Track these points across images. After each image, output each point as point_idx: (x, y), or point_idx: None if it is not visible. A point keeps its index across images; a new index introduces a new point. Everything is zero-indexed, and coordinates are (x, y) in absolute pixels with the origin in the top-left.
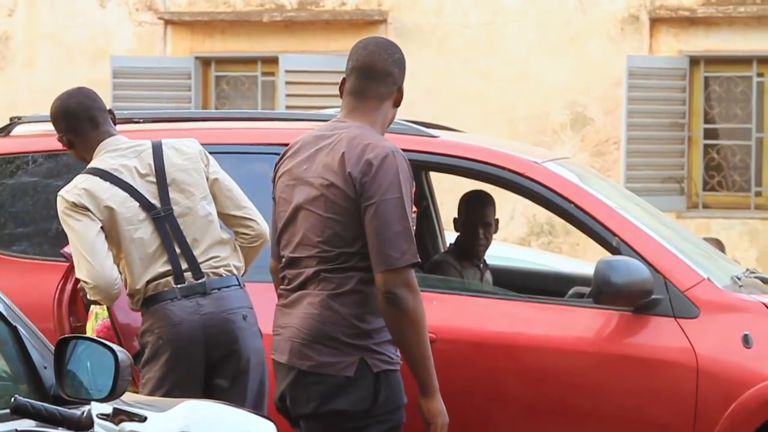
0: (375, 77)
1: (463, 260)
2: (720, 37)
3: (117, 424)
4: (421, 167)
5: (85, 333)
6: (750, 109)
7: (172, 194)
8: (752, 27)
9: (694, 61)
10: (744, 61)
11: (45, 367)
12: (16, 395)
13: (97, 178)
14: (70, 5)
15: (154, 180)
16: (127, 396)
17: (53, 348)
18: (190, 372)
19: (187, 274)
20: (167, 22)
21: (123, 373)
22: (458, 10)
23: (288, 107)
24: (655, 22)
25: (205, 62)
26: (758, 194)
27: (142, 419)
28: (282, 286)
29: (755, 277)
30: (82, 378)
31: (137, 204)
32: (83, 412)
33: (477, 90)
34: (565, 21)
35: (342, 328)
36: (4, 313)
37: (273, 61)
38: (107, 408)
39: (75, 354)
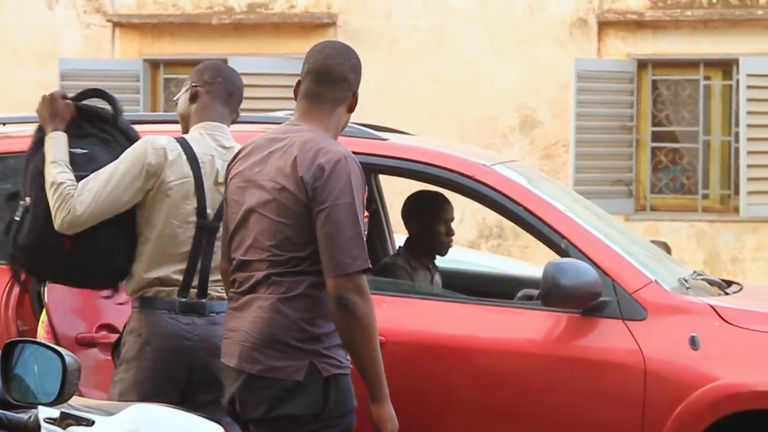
0: (330, 81)
1: (413, 262)
2: (668, 41)
3: (64, 428)
4: (371, 170)
5: (32, 337)
6: (697, 112)
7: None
8: (699, 30)
9: (642, 64)
10: (691, 64)
11: None
12: None
13: (185, 156)
14: (18, 7)
15: (222, 193)
16: (75, 400)
17: None
18: (165, 387)
19: (193, 291)
20: (116, 25)
21: (71, 377)
22: (408, 13)
23: None
24: (604, 25)
25: (153, 65)
26: (705, 197)
27: (90, 423)
28: (232, 289)
29: (702, 279)
30: (29, 382)
31: (195, 205)
32: (30, 417)
33: (427, 93)
34: (514, 24)
35: (292, 332)
36: None
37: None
38: (55, 412)
39: (22, 358)
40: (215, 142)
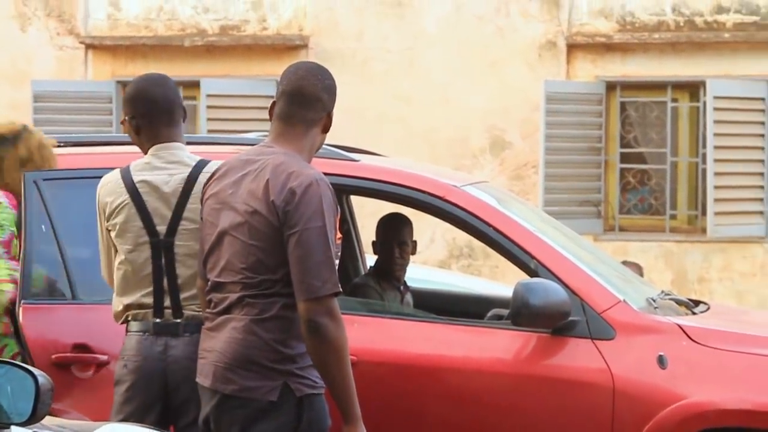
0: (303, 102)
1: (384, 282)
2: (635, 63)
3: None
4: (342, 191)
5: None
6: (665, 134)
7: (183, 227)
8: (667, 53)
9: (611, 86)
10: (659, 86)
11: None
12: None
13: (122, 182)
14: None
15: (174, 206)
16: (48, 420)
17: None
18: (145, 407)
19: (167, 311)
20: (88, 47)
21: (44, 397)
22: (379, 34)
23: (209, 131)
24: (572, 48)
25: (125, 86)
26: (673, 217)
27: None
28: (208, 310)
29: (670, 299)
30: (2, 402)
31: (141, 225)
32: None
33: (398, 114)
34: (484, 46)
35: (265, 352)
36: None
37: (194, 85)
38: None
39: None
40: (161, 160)
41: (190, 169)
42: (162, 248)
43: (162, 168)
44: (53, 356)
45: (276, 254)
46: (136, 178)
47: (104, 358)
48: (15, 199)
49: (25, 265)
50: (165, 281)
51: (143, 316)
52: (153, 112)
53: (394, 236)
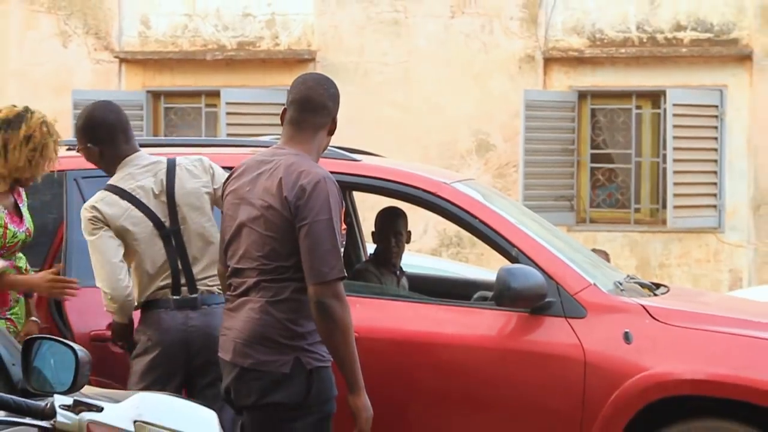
0: (312, 109)
1: (382, 268)
2: (604, 75)
3: (77, 413)
4: (346, 188)
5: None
6: (630, 137)
7: (181, 213)
8: (632, 66)
9: (582, 95)
10: (625, 95)
11: (13, 364)
12: None
13: (117, 196)
14: (36, 45)
15: (165, 199)
16: (87, 389)
17: (20, 347)
18: (171, 372)
19: (184, 288)
20: (122, 60)
21: (83, 369)
22: (378, 50)
23: (229, 135)
24: (549, 61)
25: (155, 95)
26: (637, 210)
27: (99, 409)
28: (228, 292)
29: (634, 282)
30: (47, 374)
31: (151, 224)
32: (47, 404)
33: (394, 120)
34: (470, 60)
35: (279, 330)
36: None
37: (215, 94)
38: (69, 400)
39: (40, 352)
40: (137, 167)
41: (165, 165)
42: (171, 235)
43: (143, 173)
44: (92, 332)
45: (288, 244)
46: (128, 188)
47: None
48: (19, 192)
49: (67, 252)
50: (179, 263)
51: (163, 294)
52: (113, 136)
53: (391, 227)
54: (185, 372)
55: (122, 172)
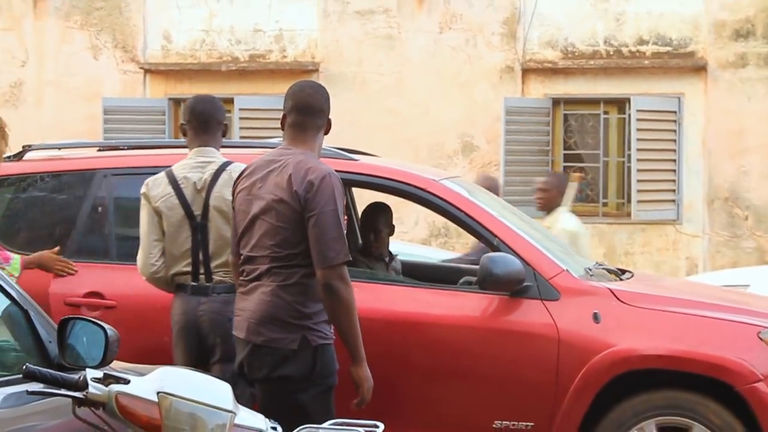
0: (312, 113)
1: (368, 257)
2: (576, 84)
3: (106, 385)
4: (345, 184)
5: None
6: (598, 139)
7: (211, 212)
8: (600, 76)
9: (556, 102)
10: (594, 102)
11: (50, 342)
12: (27, 364)
13: (166, 179)
14: (70, 57)
15: (204, 195)
16: (115, 364)
17: (56, 326)
18: (187, 350)
19: (202, 277)
20: (146, 71)
21: (112, 346)
22: (374, 61)
23: (241, 137)
24: (526, 72)
25: (176, 102)
26: (605, 204)
27: (126, 381)
28: (241, 278)
29: (603, 269)
30: (79, 350)
31: (183, 212)
32: (80, 377)
33: (388, 124)
34: (456, 71)
35: (288, 311)
36: (18, 299)
37: (229, 101)
38: (99, 373)
39: (74, 331)
40: (196, 160)
41: (216, 167)
42: (198, 228)
43: (197, 167)
44: (66, 299)
45: (298, 233)
46: (178, 175)
47: (113, 303)
48: None
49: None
50: (200, 254)
51: (183, 281)
52: (192, 122)
53: (370, 223)
54: (200, 349)
55: (185, 159)
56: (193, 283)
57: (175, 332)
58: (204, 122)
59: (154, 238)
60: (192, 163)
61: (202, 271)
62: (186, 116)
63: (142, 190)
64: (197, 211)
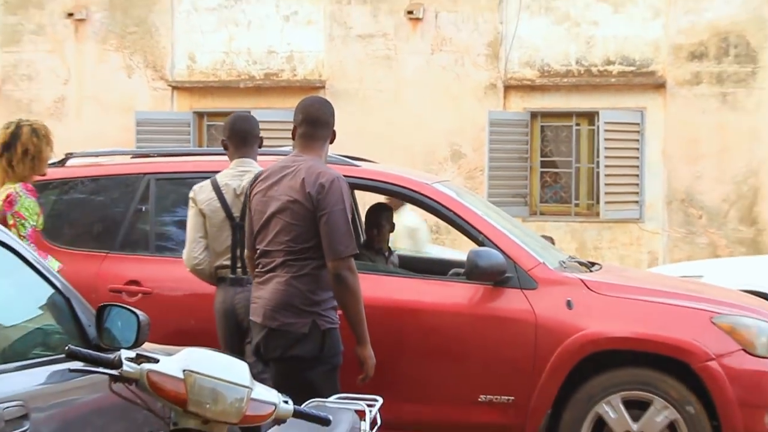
0: (320, 125)
1: (370, 251)
2: (551, 99)
3: (139, 364)
4: (349, 187)
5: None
6: (571, 148)
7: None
8: (572, 92)
9: (534, 115)
10: (567, 115)
11: (89, 326)
12: (69, 345)
13: (211, 186)
14: (107, 76)
15: (242, 200)
16: (147, 345)
17: (95, 312)
18: (227, 333)
19: (239, 270)
20: (174, 88)
21: (143, 329)
22: (374, 79)
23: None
24: (508, 88)
25: (200, 115)
26: (577, 205)
27: (156, 361)
28: (257, 270)
29: (575, 262)
30: (115, 333)
31: (224, 215)
32: (116, 356)
33: (386, 134)
34: (447, 87)
35: (299, 299)
36: (61, 288)
37: None
38: (132, 353)
39: (110, 316)
40: (236, 170)
41: (252, 176)
42: (237, 228)
43: (237, 175)
44: (109, 286)
45: (310, 229)
46: (220, 182)
47: (149, 290)
48: (31, 186)
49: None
50: (238, 250)
51: (224, 273)
52: (232, 139)
53: (372, 221)
54: (237, 331)
55: (228, 169)
56: (232, 276)
57: (217, 318)
58: (242, 138)
59: (199, 236)
60: (233, 173)
61: (239, 265)
62: (226, 133)
63: (190, 194)
64: (236, 213)
